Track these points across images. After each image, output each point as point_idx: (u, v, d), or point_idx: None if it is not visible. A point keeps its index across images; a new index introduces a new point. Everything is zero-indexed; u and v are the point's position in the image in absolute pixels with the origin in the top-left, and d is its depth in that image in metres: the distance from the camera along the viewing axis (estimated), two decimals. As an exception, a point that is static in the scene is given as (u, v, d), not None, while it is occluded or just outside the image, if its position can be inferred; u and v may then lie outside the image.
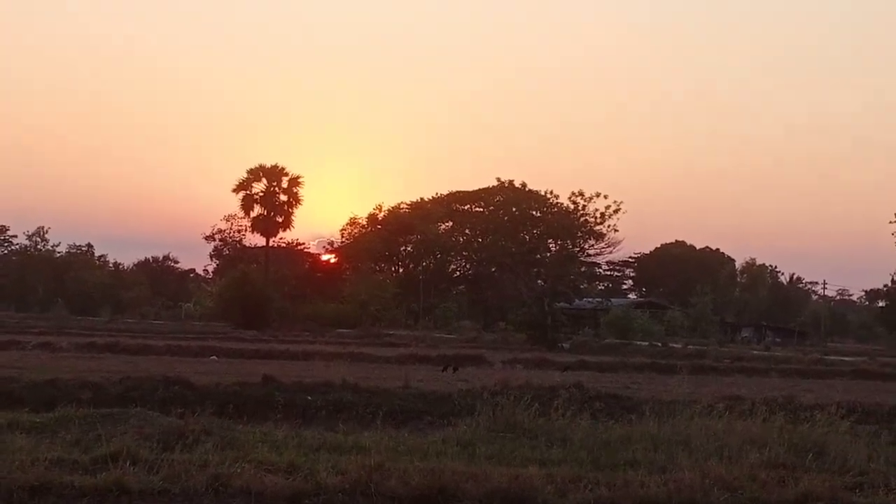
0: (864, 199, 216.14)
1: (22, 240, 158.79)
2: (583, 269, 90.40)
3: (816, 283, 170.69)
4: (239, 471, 11.25)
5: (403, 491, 11.03)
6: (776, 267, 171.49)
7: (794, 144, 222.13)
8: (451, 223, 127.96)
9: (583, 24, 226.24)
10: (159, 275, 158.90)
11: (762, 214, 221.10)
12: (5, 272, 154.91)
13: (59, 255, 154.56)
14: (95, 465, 11.34)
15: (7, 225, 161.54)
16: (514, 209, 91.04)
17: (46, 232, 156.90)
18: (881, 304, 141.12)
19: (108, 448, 11.90)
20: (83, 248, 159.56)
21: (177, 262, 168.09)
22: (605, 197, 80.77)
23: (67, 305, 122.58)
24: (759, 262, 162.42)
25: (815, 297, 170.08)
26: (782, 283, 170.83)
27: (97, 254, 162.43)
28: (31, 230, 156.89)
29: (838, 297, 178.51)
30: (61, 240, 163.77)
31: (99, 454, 11.72)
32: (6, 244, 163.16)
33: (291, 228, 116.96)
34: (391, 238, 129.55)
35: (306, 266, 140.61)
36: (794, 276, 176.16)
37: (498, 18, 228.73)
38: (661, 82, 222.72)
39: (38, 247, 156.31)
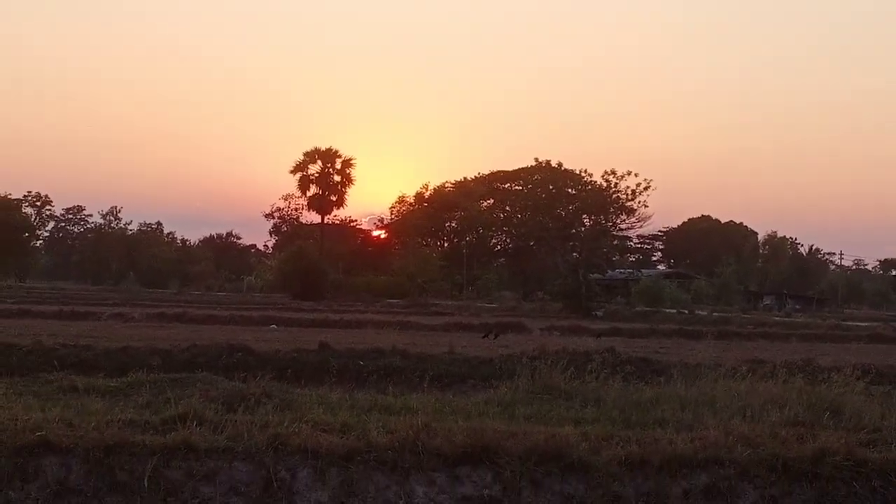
0: (881, 173, 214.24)
1: (97, 219, 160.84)
2: (615, 242, 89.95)
3: (834, 253, 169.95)
4: (296, 430, 11.27)
5: (448, 449, 11.04)
6: (796, 239, 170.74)
7: (813, 121, 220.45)
8: (492, 201, 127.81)
9: (614, 14, 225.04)
10: (223, 250, 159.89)
11: (784, 189, 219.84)
12: (82, 249, 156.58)
13: (131, 232, 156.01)
14: (165, 426, 11.40)
15: (83, 205, 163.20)
16: (550, 187, 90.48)
17: (119, 211, 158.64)
18: (895, 272, 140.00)
19: (176, 410, 11.95)
20: (153, 226, 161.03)
21: (239, 239, 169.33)
22: (636, 175, 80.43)
23: (138, 279, 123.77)
24: (780, 234, 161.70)
25: (832, 267, 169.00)
26: (802, 254, 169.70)
27: (166, 231, 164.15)
28: (106, 210, 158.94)
29: (854, 267, 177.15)
30: (133, 218, 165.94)
31: (168, 415, 11.77)
32: (82, 223, 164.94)
33: (344, 206, 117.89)
34: (437, 215, 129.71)
35: (358, 241, 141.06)
36: (813, 248, 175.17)
37: (540, 10, 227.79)
38: (688, 68, 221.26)
39: (112, 225, 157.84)
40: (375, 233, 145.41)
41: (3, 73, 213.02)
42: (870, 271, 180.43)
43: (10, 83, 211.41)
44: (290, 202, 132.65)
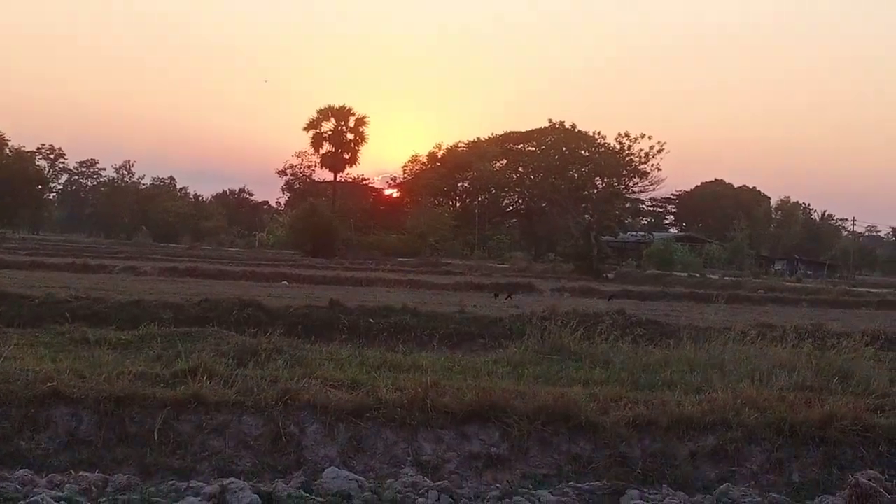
0: (894, 139, 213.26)
1: (110, 172, 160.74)
2: (627, 205, 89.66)
3: (846, 219, 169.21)
4: (306, 386, 11.33)
5: (457, 406, 11.08)
6: (809, 204, 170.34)
7: (826, 86, 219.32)
8: (505, 161, 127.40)
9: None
10: (235, 206, 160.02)
11: (798, 154, 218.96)
12: (95, 202, 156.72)
13: (143, 186, 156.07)
14: (175, 379, 11.46)
15: (96, 158, 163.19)
16: (563, 149, 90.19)
17: (132, 165, 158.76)
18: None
19: (186, 363, 12.01)
20: (166, 181, 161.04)
21: (251, 195, 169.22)
22: (650, 138, 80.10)
23: (151, 233, 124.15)
24: (793, 199, 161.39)
25: (845, 233, 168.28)
26: (814, 220, 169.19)
27: (179, 186, 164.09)
28: (119, 163, 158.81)
29: (867, 233, 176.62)
30: (146, 172, 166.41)
31: (179, 369, 11.83)
32: (96, 176, 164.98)
33: (357, 165, 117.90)
34: (449, 174, 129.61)
35: (371, 200, 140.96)
36: (826, 213, 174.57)
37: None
38: (700, 25, 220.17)
39: (125, 179, 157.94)
40: (388, 191, 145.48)
41: (17, 26, 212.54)
42: (882, 238, 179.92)
43: (24, 37, 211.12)
44: (303, 159, 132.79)
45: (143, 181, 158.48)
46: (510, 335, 19.70)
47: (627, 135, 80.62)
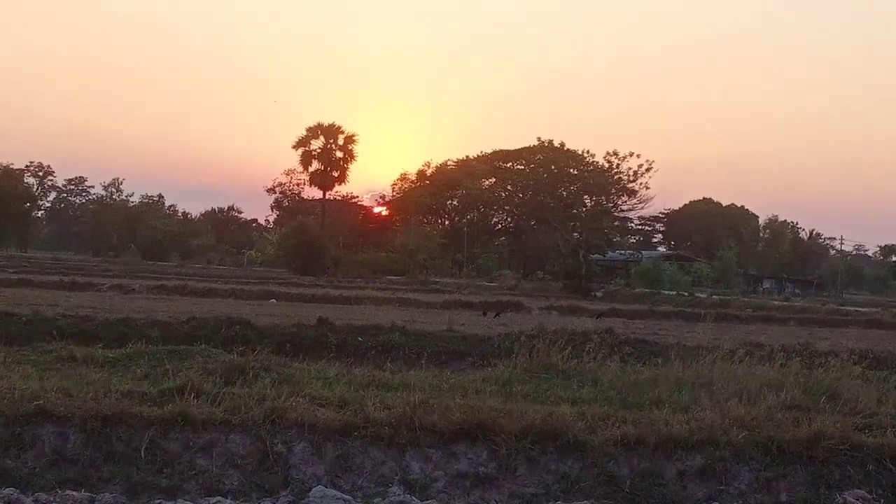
0: (882, 158, 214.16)
1: (98, 190, 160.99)
2: (616, 223, 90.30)
3: (834, 238, 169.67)
4: (294, 404, 11.30)
5: (445, 425, 11.07)
6: (797, 223, 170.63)
7: (814, 104, 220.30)
8: (494, 180, 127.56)
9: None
10: (224, 224, 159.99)
11: (785, 173, 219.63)
12: (83, 220, 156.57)
13: (132, 204, 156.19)
14: (163, 397, 11.43)
15: (85, 176, 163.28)
16: (552, 167, 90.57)
17: (121, 183, 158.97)
18: (895, 258, 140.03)
19: (174, 382, 11.99)
20: (154, 199, 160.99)
21: (240, 213, 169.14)
22: (638, 156, 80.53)
23: (139, 251, 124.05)
24: (781, 218, 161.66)
25: (833, 252, 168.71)
26: (803, 239, 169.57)
27: (167, 204, 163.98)
28: (108, 181, 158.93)
29: (855, 252, 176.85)
30: (134, 190, 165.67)
31: (166, 387, 11.81)
32: (84, 194, 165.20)
33: (346, 182, 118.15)
34: (438, 193, 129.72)
35: (360, 218, 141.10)
36: (814, 232, 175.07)
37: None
38: (688, 41, 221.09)
39: (114, 196, 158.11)
40: (377, 209, 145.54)
41: (5, 44, 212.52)
42: (870, 257, 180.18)
43: (13, 53, 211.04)
44: (292, 177, 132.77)
45: (131, 199, 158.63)
46: (499, 353, 19.64)
47: (616, 153, 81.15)
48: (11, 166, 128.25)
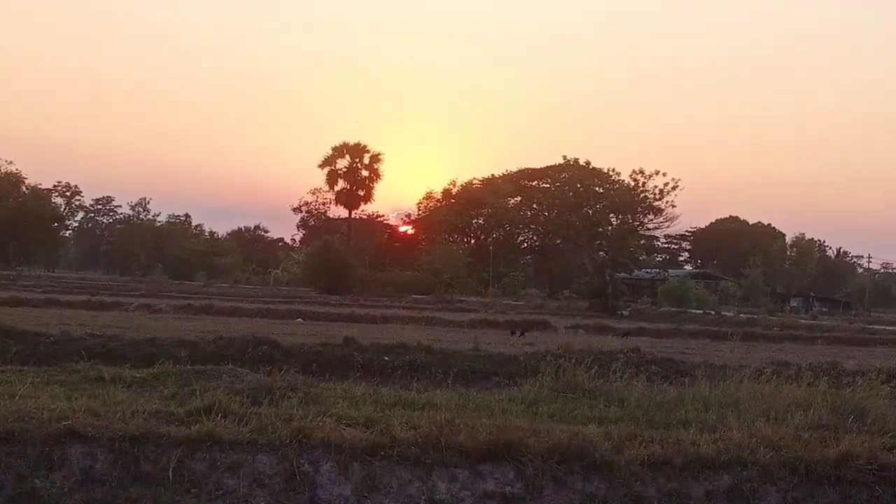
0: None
1: (126, 210, 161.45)
2: (642, 241, 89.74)
3: (862, 256, 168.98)
4: (320, 424, 11.31)
5: (471, 445, 11.06)
6: (824, 241, 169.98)
7: (841, 122, 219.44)
8: (519, 198, 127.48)
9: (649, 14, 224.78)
10: (250, 243, 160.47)
11: (813, 191, 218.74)
12: (110, 239, 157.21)
13: (159, 224, 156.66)
14: (190, 417, 11.45)
15: (112, 196, 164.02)
16: (578, 185, 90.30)
17: (148, 203, 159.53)
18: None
19: (201, 401, 12.01)
20: (181, 218, 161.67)
21: (266, 232, 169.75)
22: (664, 174, 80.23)
23: (166, 271, 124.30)
24: (808, 236, 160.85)
25: (860, 270, 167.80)
26: (830, 257, 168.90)
27: (194, 223, 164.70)
28: (135, 201, 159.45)
29: (882, 270, 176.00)
30: (161, 210, 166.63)
31: (193, 407, 11.83)
32: (111, 213, 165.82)
33: (372, 201, 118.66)
34: (464, 211, 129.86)
35: (385, 236, 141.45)
36: (841, 250, 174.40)
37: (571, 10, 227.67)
38: (713, 64, 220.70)
39: (141, 216, 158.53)
40: (402, 228, 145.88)
41: (34, 64, 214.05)
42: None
43: (41, 75, 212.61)
44: (317, 196, 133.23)
45: (158, 218, 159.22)
46: (525, 373, 19.64)
47: (642, 171, 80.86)
48: (40, 186, 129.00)
